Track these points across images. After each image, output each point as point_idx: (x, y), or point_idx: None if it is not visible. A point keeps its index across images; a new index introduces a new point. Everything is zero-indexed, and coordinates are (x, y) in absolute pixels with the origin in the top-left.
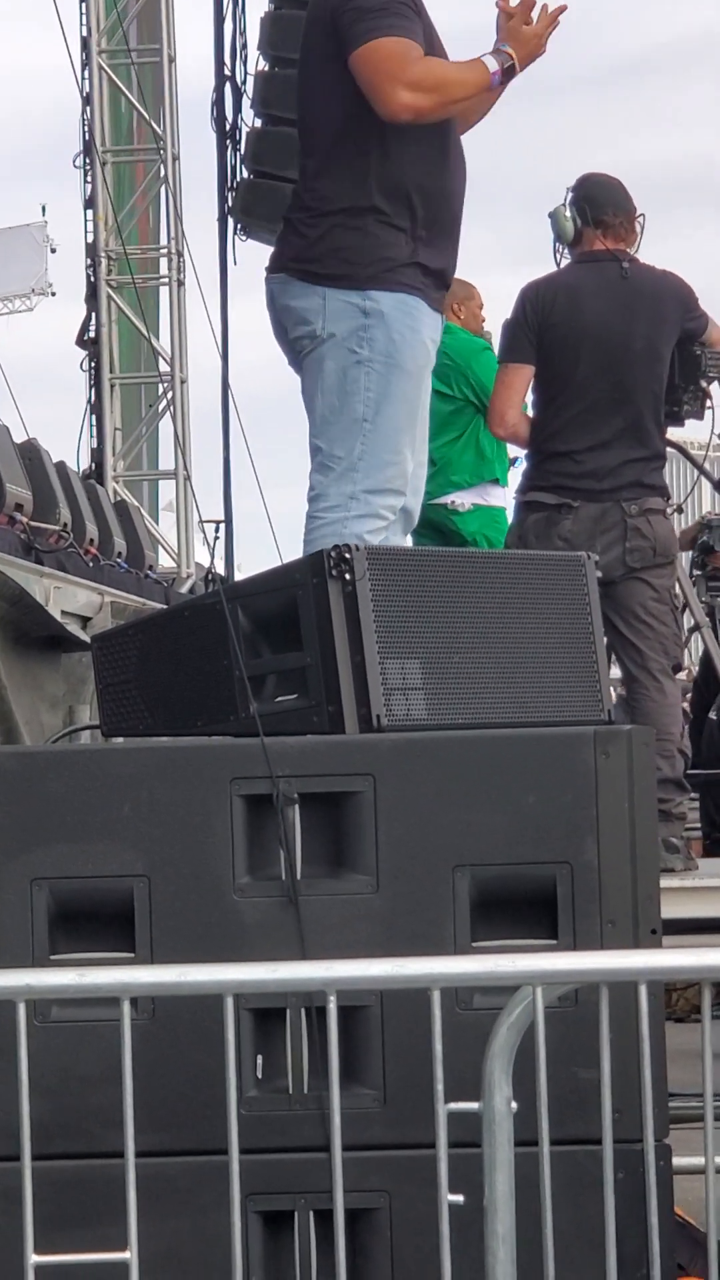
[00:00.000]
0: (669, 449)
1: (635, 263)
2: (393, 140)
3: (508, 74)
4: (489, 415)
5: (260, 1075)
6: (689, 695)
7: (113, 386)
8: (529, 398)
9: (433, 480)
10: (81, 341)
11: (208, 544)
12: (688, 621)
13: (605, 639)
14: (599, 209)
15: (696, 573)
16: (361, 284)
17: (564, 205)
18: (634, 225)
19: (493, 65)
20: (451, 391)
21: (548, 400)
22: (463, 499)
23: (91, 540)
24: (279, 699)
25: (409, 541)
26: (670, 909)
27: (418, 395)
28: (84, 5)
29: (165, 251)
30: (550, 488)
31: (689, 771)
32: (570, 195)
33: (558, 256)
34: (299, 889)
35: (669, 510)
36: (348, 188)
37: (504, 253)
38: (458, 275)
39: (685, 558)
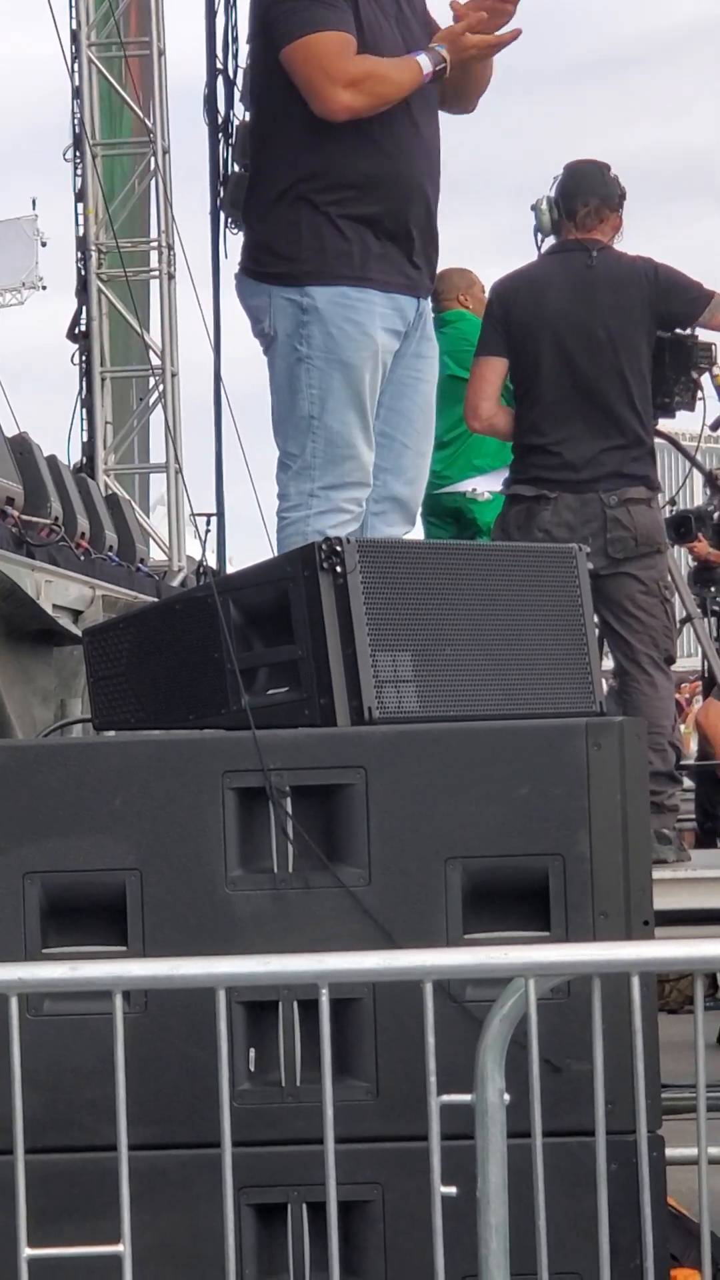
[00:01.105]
0: (660, 440)
1: (608, 251)
2: (319, 129)
3: (438, 75)
4: (464, 410)
5: (253, 1068)
6: (683, 686)
7: (104, 380)
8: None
9: (454, 464)
10: (72, 335)
11: (199, 537)
12: (680, 612)
13: (597, 630)
14: (570, 199)
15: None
16: (300, 280)
17: (544, 196)
18: (611, 213)
19: (426, 66)
20: None
21: (522, 394)
22: (483, 488)
23: (83, 534)
24: (270, 692)
25: (419, 531)
26: (663, 900)
27: (364, 387)
28: None
29: (156, 245)
30: (529, 480)
31: (681, 764)
32: (554, 184)
33: (539, 246)
34: (290, 882)
35: (655, 500)
36: (279, 180)
37: (494, 242)
38: (456, 265)
39: (681, 555)
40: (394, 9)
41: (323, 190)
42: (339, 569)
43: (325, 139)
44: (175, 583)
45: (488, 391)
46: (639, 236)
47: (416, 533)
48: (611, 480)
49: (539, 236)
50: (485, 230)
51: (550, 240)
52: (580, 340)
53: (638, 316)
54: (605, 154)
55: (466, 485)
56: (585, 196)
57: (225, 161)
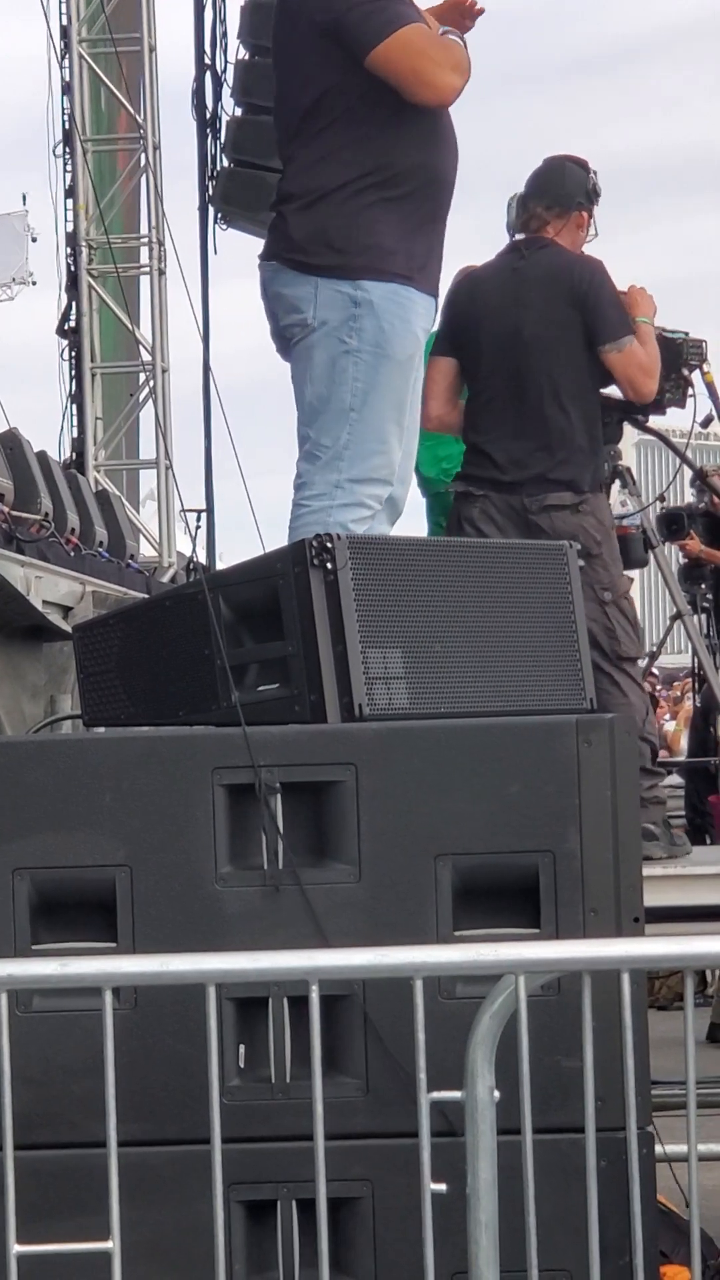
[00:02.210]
0: (649, 437)
1: (549, 249)
2: (379, 124)
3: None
4: None
5: (242, 1065)
6: (674, 683)
7: (94, 375)
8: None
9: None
10: (62, 331)
11: (189, 533)
12: (670, 609)
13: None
14: (527, 198)
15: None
16: (353, 274)
17: (516, 193)
18: (564, 213)
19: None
20: None
21: (469, 392)
22: None
23: (73, 530)
24: (261, 688)
25: (423, 530)
26: (653, 897)
27: (405, 385)
28: None
29: (146, 240)
30: (463, 477)
31: (672, 761)
32: None
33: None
34: (284, 878)
35: (589, 504)
36: (334, 174)
37: (483, 240)
38: (471, 264)
39: (671, 551)
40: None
41: (378, 185)
42: (330, 565)
43: (382, 135)
44: (165, 579)
45: (434, 391)
46: (631, 231)
47: (420, 532)
48: (535, 484)
49: (511, 232)
50: (473, 225)
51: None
52: (509, 339)
53: (562, 316)
54: (598, 149)
55: None
56: (535, 197)
57: (214, 157)
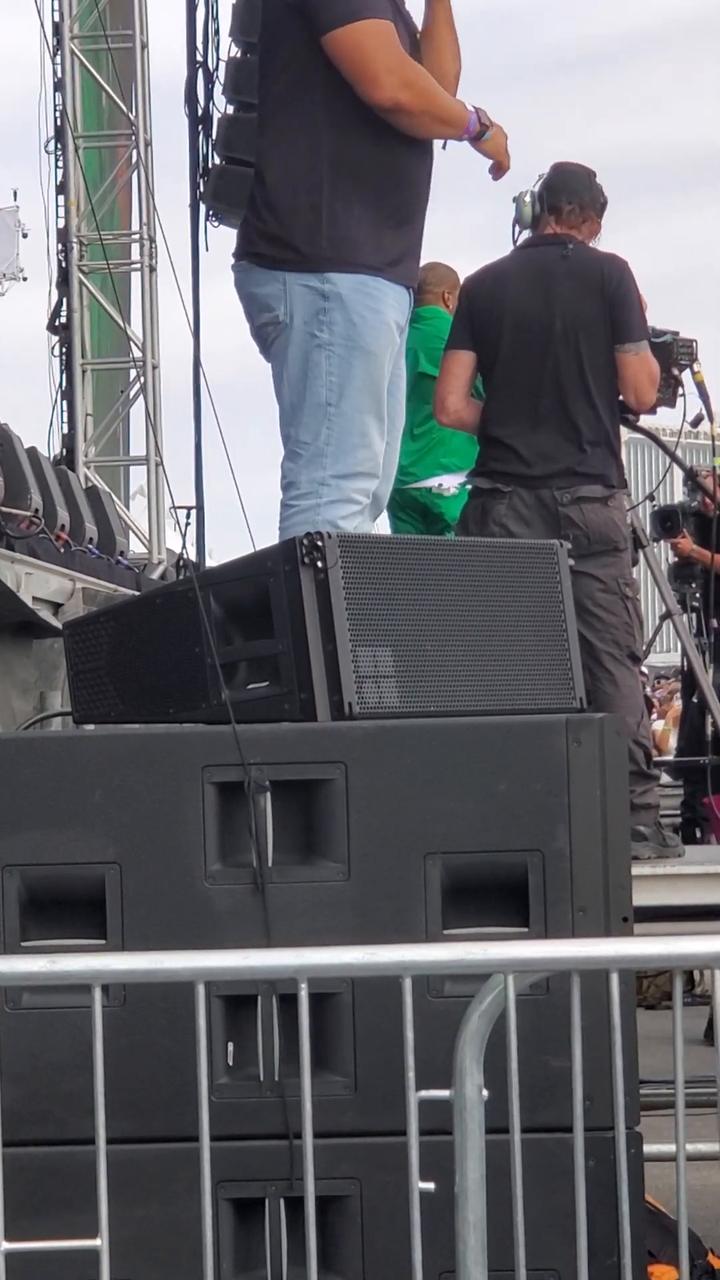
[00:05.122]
0: (640, 435)
1: (581, 246)
2: (343, 117)
3: (475, 137)
4: (433, 403)
5: (231, 1062)
6: (661, 681)
7: (84, 372)
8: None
9: (421, 461)
10: (53, 327)
11: (179, 530)
12: (660, 609)
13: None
14: (554, 195)
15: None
16: (320, 267)
17: (528, 191)
18: (591, 215)
19: (473, 121)
20: None
21: (486, 386)
22: (449, 482)
23: (63, 526)
24: (251, 686)
25: (386, 524)
26: (641, 896)
27: (381, 376)
28: None
29: (137, 237)
30: (486, 473)
31: (660, 760)
32: (539, 181)
33: (516, 238)
34: (269, 876)
35: (615, 499)
36: (300, 167)
37: (461, 237)
38: (443, 262)
39: (662, 550)
40: (403, 23)
41: (343, 179)
42: (320, 564)
43: (348, 129)
44: (155, 575)
45: (454, 385)
46: (616, 231)
47: (382, 526)
48: (565, 478)
49: (516, 229)
50: (448, 223)
51: (527, 234)
52: (538, 333)
53: (593, 310)
54: (581, 149)
55: (432, 481)
56: (570, 195)
57: (206, 155)
